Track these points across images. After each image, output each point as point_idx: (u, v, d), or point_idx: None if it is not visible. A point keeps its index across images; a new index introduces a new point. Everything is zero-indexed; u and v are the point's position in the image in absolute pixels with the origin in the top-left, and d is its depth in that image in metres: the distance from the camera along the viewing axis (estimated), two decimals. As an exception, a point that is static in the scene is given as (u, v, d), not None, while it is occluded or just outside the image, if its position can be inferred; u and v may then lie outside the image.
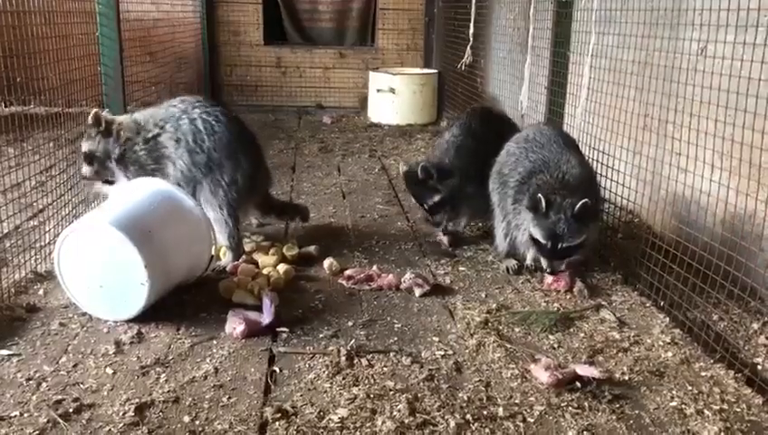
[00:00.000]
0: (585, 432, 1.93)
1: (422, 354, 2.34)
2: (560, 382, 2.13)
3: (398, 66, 7.70)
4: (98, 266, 2.48)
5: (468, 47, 5.32)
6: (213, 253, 2.86)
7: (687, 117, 2.85)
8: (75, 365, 2.21)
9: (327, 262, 3.05)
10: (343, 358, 2.26)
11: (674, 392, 2.13)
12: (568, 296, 2.85)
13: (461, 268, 3.16)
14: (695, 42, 2.92)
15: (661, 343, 2.45)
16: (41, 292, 2.73)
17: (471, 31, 5.30)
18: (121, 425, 1.89)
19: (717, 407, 2.05)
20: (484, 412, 2.00)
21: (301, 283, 2.93)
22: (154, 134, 3.00)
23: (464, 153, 3.49)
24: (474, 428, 1.92)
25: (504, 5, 5.67)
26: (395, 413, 1.96)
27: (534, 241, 2.86)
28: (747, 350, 2.38)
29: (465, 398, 2.07)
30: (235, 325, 2.42)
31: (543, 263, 2.88)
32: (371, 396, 2.05)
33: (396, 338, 2.46)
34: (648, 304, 2.78)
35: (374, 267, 3.02)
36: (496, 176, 3.19)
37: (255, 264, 3.04)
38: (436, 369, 2.24)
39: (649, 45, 3.29)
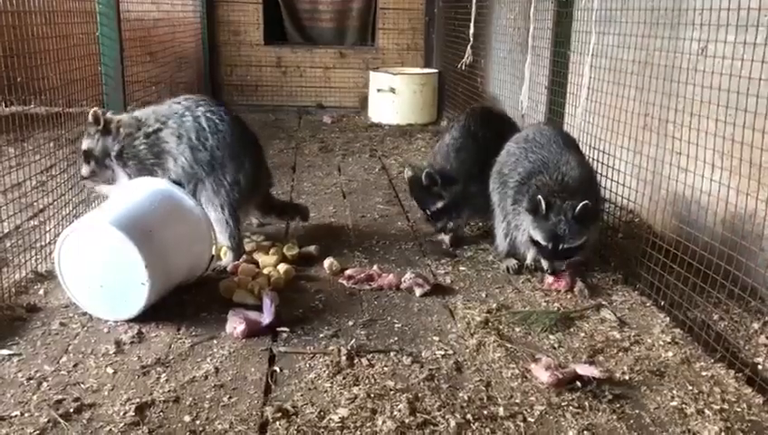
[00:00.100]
0: (585, 432, 1.93)
1: (422, 354, 2.34)
2: (560, 382, 2.13)
3: (399, 66, 7.70)
4: (98, 266, 2.48)
5: (469, 47, 5.32)
6: (213, 253, 2.86)
7: (688, 116, 2.85)
8: (76, 365, 2.21)
9: (327, 262, 3.05)
10: (344, 358, 2.26)
11: (674, 392, 2.13)
12: (568, 296, 2.85)
13: (461, 268, 3.16)
14: (695, 41, 2.92)
15: (662, 342, 2.45)
16: (41, 292, 2.74)
17: (471, 31, 5.30)
18: (122, 425, 1.90)
19: (718, 407, 2.05)
20: (485, 412, 2.00)
21: (301, 283, 2.93)
22: (155, 129, 3.00)
23: (464, 156, 3.48)
24: (474, 427, 1.92)
25: (504, 5, 5.67)
26: (395, 413, 1.96)
27: (534, 242, 2.86)
28: (748, 349, 2.38)
29: (466, 398, 2.07)
30: (235, 325, 2.42)
31: (544, 264, 2.88)
32: (372, 396, 2.05)
33: (396, 338, 2.46)
34: (648, 304, 2.78)
35: (374, 267, 3.02)
36: (497, 176, 3.19)
37: (256, 263, 3.04)
38: (436, 369, 2.24)
39: (650, 45, 3.29)
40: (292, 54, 7.83)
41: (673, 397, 2.11)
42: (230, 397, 2.06)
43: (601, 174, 3.36)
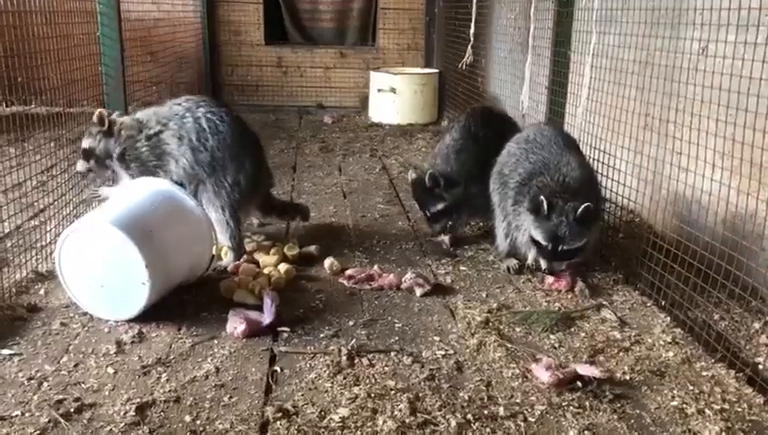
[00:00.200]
0: (586, 432, 1.93)
1: (423, 354, 2.34)
2: (561, 382, 2.13)
3: (399, 66, 7.70)
4: (99, 266, 2.48)
5: (469, 47, 5.31)
6: (214, 252, 2.86)
7: (688, 116, 2.85)
8: (76, 365, 2.21)
9: (328, 262, 3.05)
10: (344, 358, 2.26)
11: (675, 392, 2.13)
12: (569, 296, 2.85)
13: (462, 268, 3.16)
14: (696, 41, 2.92)
15: (662, 342, 2.45)
16: (42, 291, 2.74)
17: (472, 30, 5.29)
18: (122, 425, 1.90)
19: (718, 407, 2.04)
20: (485, 412, 2.00)
21: (301, 282, 2.93)
22: (156, 131, 3.00)
23: (465, 157, 3.48)
24: (475, 427, 1.92)
25: (504, 5, 5.67)
26: (396, 413, 1.96)
27: (535, 242, 2.86)
28: (748, 349, 2.38)
29: (466, 397, 2.07)
30: (236, 325, 2.42)
31: (543, 264, 2.88)
32: (372, 396, 2.05)
33: (397, 338, 2.46)
34: (649, 304, 2.78)
35: (375, 267, 3.02)
36: (497, 176, 3.19)
37: (256, 263, 3.04)
38: (437, 368, 2.24)
39: (650, 45, 3.29)
40: (292, 54, 7.83)
41: (674, 397, 2.11)
42: (231, 397, 2.06)
43: (602, 174, 3.36)
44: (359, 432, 1.89)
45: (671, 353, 2.37)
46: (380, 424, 1.91)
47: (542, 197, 2.75)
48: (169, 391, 2.07)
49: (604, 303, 2.78)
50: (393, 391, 2.08)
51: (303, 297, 2.78)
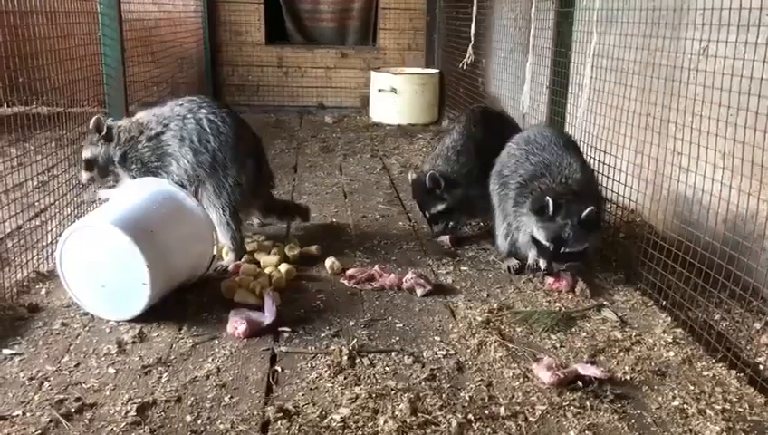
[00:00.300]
0: (587, 432, 1.93)
1: (424, 354, 2.34)
2: (561, 382, 2.13)
3: (400, 66, 7.69)
4: (100, 266, 2.48)
5: (470, 47, 5.31)
6: (215, 253, 2.86)
7: (689, 116, 2.85)
8: (77, 365, 2.22)
9: (328, 262, 3.05)
10: (345, 358, 2.26)
11: (676, 392, 2.13)
12: (570, 296, 2.85)
13: (463, 268, 3.16)
14: (696, 41, 2.92)
15: (663, 342, 2.45)
16: (43, 291, 2.74)
17: (472, 30, 5.29)
18: (123, 425, 1.90)
19: (719, 407, 2.04)
20: (486, 412, 2.00)
21: (302, 282, 2.93)
22: (157, 132, 3.01)
23: (465, 158, 3.48)
24: (475, 427, 1.92)
25: (505, 5, 5.67)
26: (397, 413, 1.96)
27: (536, 242, 2.85)
28: (749, 349, 2.38)
29: (467, 397, 2.07)
30: (236, 325, 2.43)
31: (542, 263, 2.87)
32: (373, 396, 2.05)
33: (397, 338, 2.46)
34: (649, 304, 2.78)
35: (376, 267, 3.01)
36: (497, 177, 3.18)
37: (257, 263, 3.04)
38: (437, 368, 2.24)
39: (651, 45, 3.29)
40: (293, 54, 7.83)
41: (674, 397, 2.11)
42: (231, 397, 2.06)
43: (603, 174, 3.36)
44: (359, 432, 1.89)
45: (672, 353, 2.37)
46: (381, 424, 1.91)
47: (548, 198, 2.74)
48: (170, 390, 2.07)
49: (605, 303, 2.78)
50: (394, 391, 2.08)
51: (304, 297, 2.78)
